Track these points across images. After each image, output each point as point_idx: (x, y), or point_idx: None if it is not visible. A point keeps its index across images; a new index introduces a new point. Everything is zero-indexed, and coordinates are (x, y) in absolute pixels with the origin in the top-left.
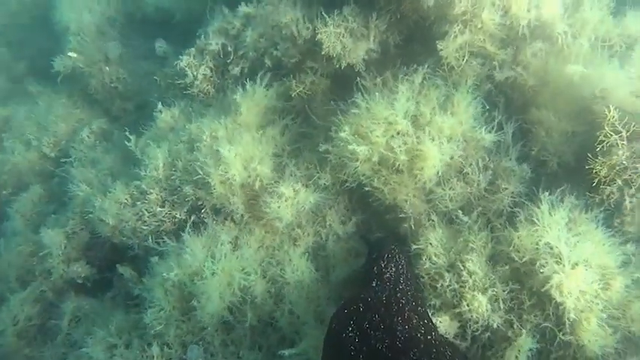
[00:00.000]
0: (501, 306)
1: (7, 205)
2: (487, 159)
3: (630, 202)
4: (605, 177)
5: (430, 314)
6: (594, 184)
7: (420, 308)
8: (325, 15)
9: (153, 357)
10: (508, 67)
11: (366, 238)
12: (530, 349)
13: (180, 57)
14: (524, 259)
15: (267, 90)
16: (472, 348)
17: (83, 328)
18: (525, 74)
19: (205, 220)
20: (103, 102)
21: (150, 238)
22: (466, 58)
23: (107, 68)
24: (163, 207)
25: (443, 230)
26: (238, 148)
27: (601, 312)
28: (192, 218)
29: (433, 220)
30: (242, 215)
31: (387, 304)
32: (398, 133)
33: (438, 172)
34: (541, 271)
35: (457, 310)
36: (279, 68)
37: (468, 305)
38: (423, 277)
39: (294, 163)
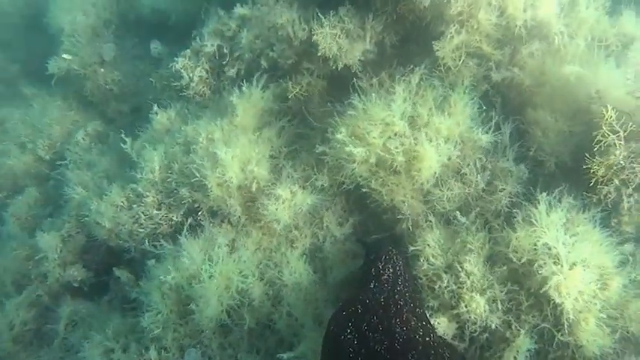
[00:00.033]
0: (499, 307)
1: (2, 209)
2: (484, 159)
3: (628, 201)
4: (602, 177)
5: (428, 315)
6: (591, 184)
7: (418, 310)
8: (321, 16)
9: None
10: (505, 68)
11: (363, 241)
12: (529, 350)
13: (176, 59)
14: (522, 261)
15: (264, 92)
16: (470, 349)
17: (80, 332)
18: (522, 74)
19: (202, 223)
20: (98, 104)
21: (146, 241)
22: (463, 58)
23: (102, 70)
24: (160, 210)
25: (440, 231)
26: (235, 150)
27: (599, 312)
28: (189, 221)
29: (430, 221)
30: (239, 217)
31: (385, 305)
32: (395, 135)
33: (435, 174)
34: (539, 272)
35: (455, 311)
36: (275, 69)
37: (466, 306)
38: (421, 279)
39: (291, 164)
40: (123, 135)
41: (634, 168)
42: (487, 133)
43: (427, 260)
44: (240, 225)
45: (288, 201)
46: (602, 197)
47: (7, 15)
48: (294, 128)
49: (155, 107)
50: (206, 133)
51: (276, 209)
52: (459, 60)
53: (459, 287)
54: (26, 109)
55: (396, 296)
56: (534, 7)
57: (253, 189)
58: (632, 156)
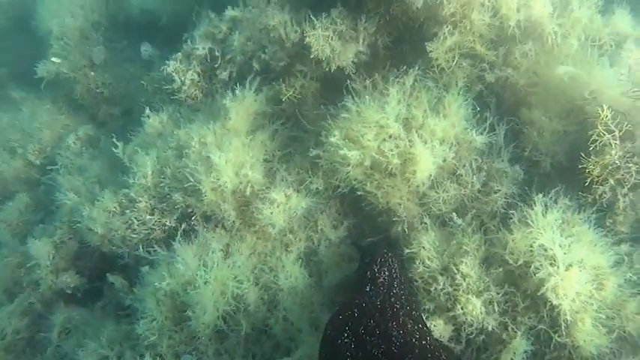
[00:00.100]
0: (495, 308)
1: None
2: (480, 160)
3: (623, 201)
4: (597, 176)
5: (424, 318)
6: (587, 184)
7: (414, 312)
8: (313, 18)
9: None
10: (498, 68)
11: (358, 244)
12: (525, 352)
13: (167, 62)
14: (518, 263)
15: (257, 95)
16: (467, 351)
17: (74, 340)
18: (516, 75)
19: (196, 228)
20: (89, 107)
21: (140, 246)
22: (456, 59)
23: (92, 73)
24: (153, 215)
25: (436, 233)
26: (229, 154)
27: (596, 312)
28: (183, 226)
29: (426, 224)
30: (233, 222)
31: (381, 308)
32: (390, 137)
33: (430, 176)
34: (536, 273)
35: (451, 314)
36: (268, 72)
37: (462, 308)
38: (417, 281)
39: (285, 168)
40: (114, 139)
41: (629, 168)
42: (482, 134)
43: (423, 263)
44: (235, 229)
45: (283, 205)
46: (597, 197)
47: None
48: (287, 131)
49: (147, 110)
50: (199, 137)
51: (271, 213)
52: (453, 61)
53: (454, 289)
54: (15, 113)
55: (392, 299)
56: (527, 6)
57: (247, 193)
58: (628, 156)
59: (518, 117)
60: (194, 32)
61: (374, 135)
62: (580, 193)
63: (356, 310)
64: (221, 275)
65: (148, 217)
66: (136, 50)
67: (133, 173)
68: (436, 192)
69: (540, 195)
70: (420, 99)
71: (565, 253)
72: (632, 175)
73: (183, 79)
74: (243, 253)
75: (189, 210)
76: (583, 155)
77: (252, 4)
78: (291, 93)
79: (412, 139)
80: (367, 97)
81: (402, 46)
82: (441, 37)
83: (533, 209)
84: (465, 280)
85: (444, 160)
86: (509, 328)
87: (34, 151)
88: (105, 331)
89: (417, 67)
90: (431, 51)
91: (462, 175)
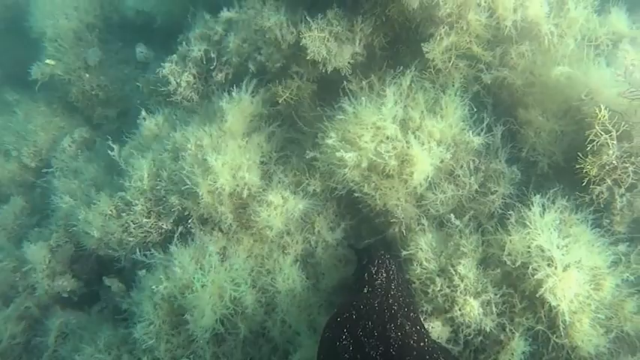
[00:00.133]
0: (493, 310)
1: None
2: (477, 161)
3: (620, 201)
4: (595, 176)
5: (422, 319)
6: (584, 184)
7: (412, 314)
8: (309, 19)
9: None
10: (495, 68)
11: (355, 247)
12: (523, 352)
13: (163, 64)
14: (516, 264)
15: (253, 96)
16: (465, 352)
17: (70, 344)
18: (513, 75)
19: (192, 231)
20: (84, 110)
21: (137, 249)
22: (453, 60)
23: (87, 75)
24: (149, 218)
25: (433, 234)
26: (225, 156)
27: (594, 313)
28: (180, 229)
29: (423, 225)
30: (230, 224)
31: (379, 310)
32: (387, 138)
33: (428, 177)
34: (534, 274)
35: (449, 315)
36: (264, 73)
37: (459, 310)
38: (414, 283)
39: (281, 170)
40: (110, 142)
41: (626, 168)
42: (479, 134)
43: (420, 264)
44: (232, 232)
45: (280, 207)
46: (594, 197)
47: None
48: (284, 133)
49: (143, 112)
50: (195, 139)
51: (269, 216)
52: (449, 62)
53: (452, 291)
54: (9, 115)
55: (390, 301)
56: (524, 7)
57: (244, 195)
58: (625, 156)
59: (515, 117)
60: (189, 34)
61: (371, 136)
62: (577, 193)
63: (354, 312)
64: (218, 278)
65: (145, 220)
66: (131, 52)
67: (129, 176)
68: (433, 193)
69: (538, 196)
70: (417, 100)
71: (563, 254)
72: (629, 175)
73: (178, 81)
74: (240, 256)
75: (186, 213)
76: (580, 155)
77: (247, 5)
78: (287, 95)
79: (409, 141)
80: (364, 98)
81: (398, 46)
82: (438, 38)
83: (530, 210)
84: (462, 281)
85: (442, 161)
86: (507, 329)
87: (29, 154)
88: (102, 336)
89: (413, 68)
90: (427, 52)
91: (459, 176)
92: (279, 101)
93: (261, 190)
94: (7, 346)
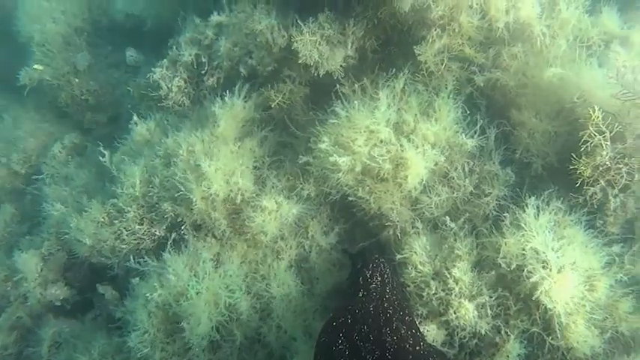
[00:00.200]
0: (488, 312)
1: None
2: (471, 163)
3: (613, 202)
4: (588, 177)
5: (417, 323)
6: (578, 185)
7: (407, 318)
8: (300, 23)
9: None
10: (488, 70)
11: (349, 252)
12: (519, 355)
13: (153, 69)
14: (511, 267)
15: (246, 101)
16: (460, 355)
17: (64, 354)
18: (506, 76)
19: (186, 237)
20: (74, 115)
21: (130, 257)
22: (445, 62)
23: (76, 80)
24: (142, 225)
25: (427, 237)
26: (218, 162)
27: (589, 314)
28: (173, 235)
29: (417, 228)
30: (224, 230)
31: (374, 314)
32: (381, 142)
33: (422, 180)
34: (529, 277)
35: (444, 318)
36: (255, 77)
37: (454, 313)
38: (409, 286)
39: (275, 174)
40: (101, 147)
41: (620, 169)
42: (473, 136)
43: (415, 267)
44: (225, 238)
45: (274, 212)
46: (588, 198)
47: None
48: (276, 137)
49: (135, 117)
50: (187, 145)
51: (263, 221)
52: (442, 64)
53: (447, 294)
54: None
55: (385, 305)
56: (516, 8)
57: (238, 201)
58: (618, 157)
59: (508, 119)
60: (180, 38)
61: (364, 140)
62: (571, 194)
63: (349, 317)
64: (213, 285)
65: (137, 227)
66: (121, 56)
67: (121, 183)
68: (428, 196)
69: (532, 198)
70: (411, 103)
71: (557, 256)
72: (622, 176)
73: (169, 85)
74: (235, 262)
75: (179, 219)
76: (574, 156)
77: (238, 9)
78: (280, 99)
79: (403, 144)
80: (357, 101)
81: (390, 49)
82: (430, 40)
83: (525, 212)
84: (457, 284)
85: (436, 164)
86: (503, 332)
87: (18, 161)
88: (96, 345)
89: (406, 71)
90: (419, 54)
91: (453, 179)
92: (272, 105)
93: (254, 195)
94: (0, 357)
